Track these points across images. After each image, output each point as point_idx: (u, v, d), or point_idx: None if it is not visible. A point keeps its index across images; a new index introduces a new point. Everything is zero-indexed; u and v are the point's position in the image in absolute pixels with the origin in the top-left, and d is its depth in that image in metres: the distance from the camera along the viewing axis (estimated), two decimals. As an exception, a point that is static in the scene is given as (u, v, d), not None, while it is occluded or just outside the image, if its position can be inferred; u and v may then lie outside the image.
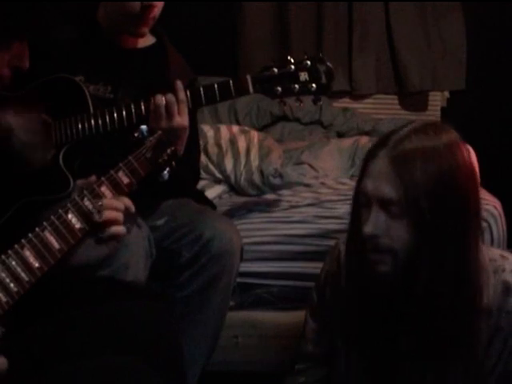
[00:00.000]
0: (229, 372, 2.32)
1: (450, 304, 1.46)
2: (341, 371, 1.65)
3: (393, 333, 1.53)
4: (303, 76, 1.89)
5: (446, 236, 1.44)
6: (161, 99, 1.86)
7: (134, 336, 1.33)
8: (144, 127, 1.52)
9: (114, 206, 1.34)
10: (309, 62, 1.89)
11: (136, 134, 1.51)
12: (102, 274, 1.64)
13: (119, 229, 1.35)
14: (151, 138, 1.48)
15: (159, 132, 1.51)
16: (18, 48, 1.59)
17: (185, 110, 1.87)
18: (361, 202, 1.50)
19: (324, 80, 1.90)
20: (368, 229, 1.46)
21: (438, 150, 1.44)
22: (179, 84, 1.88)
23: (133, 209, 1.39)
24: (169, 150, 1.50)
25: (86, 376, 1.23)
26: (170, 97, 1.86)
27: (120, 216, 1.35)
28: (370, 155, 1.49)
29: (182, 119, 1.86)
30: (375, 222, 1.46)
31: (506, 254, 1.58)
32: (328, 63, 1.91)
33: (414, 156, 1.43)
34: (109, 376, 1.24)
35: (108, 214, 1.33)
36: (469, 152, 1.50)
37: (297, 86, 1.89)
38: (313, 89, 1.89)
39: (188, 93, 1.89)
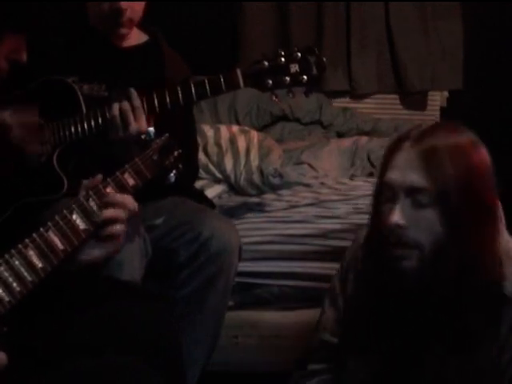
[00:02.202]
0: (229, 372, 2.32)
1: (477, 295, 1.46)
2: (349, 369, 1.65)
3: (412, 328, 1.51)
4: (294, 68, 1.87)
5: (473, 228, 1.45)
6: (116, 109, 1.86)
7: (134, 336, 1.33)
8: (151, 129, 1.52)
9: (116, 201, 1.33)
10: (299, 54, 1.87)
11: (143, 136, 1.51)
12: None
13: (118, 228, 1.32)
14: (158, 140, 1.48)
15: (166, 134, 1.50)
16: (14, 41, 1.59)
17: (141, 116, 1.86)
18: (385, 195, 1.49)
19: (315, 71, 1.88)
20: (394, 218, 1.45)
21: (464, 147, 1.47)
22: (132, 91, 1.88)
23: (137, 209, 1.37)
24: (176, 153, 1.50)
25: (86, 375, 1.23)
26: (125, 105, 1.86)
27: (121, 213, 1.33)
28: (393, 149, 1.49)
29: (138, 125, 1.85)
30: (402, 212, 1.45)
31: None
32: (318, 54, 1.89)
33: (441, 150, 1.44)
34: (109, 376, 1.24)
35: (108, 213, 1.31)
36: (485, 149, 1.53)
37: (287, 78, 1.87)
38: (304, 80, 1.88)
39: (179, 89, 1.89)
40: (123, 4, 1.99)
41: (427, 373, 1.53)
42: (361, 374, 1.61)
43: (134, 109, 1.86)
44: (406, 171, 1.45)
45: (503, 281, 1.48)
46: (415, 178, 1.44)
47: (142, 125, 1.85)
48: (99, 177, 1.36)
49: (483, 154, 1.50)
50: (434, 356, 1.52)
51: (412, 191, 1.45)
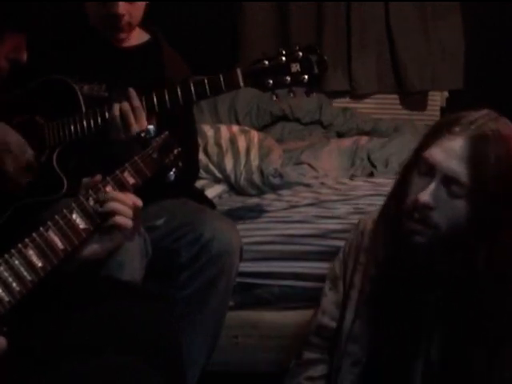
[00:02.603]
0: (229, 372, 2.31)
1: (501, 291, 1.47)
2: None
3: (416, 307, 1.52)
4: (295, 67, 1.85)
5: (499, 223, 1.45)
6: (116, 110, 1.85)
7: (134, 336, 1.33)
8: (151, 127, 1.52)
9: (118, 198, 1.33)
10: (300, 53, 1.85)
11: (143, 134, 1.51)
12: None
13: (121, 219, 1.33)
14: (158, 139, 1.48)
15: (166, 132, 1.50)
16: (15, 41, 1.59)
17: (142, 117, 1.85)
18: (421, 168, 1.49)
19: (316, 70, 1.86)
20: (425, 198, 1.45)
21: (507, 136, 1.47)
22: (132, 91, 1.87)
23: (140, 204, 1.38)
24: (175, 151, 1.50)
25: (85, 376, 1.23)
26: (125, 105, 1.85)
27: (125, 209, 1.33)
28: (444, 129, 1.49)
29: (139, 126, 1.84)
30: (434, 194, 1.45)
31: None
32: (320, 52, 1.87)
33: (489, 138, 1.45)
34: (109, 376, 1.24)
35: (111, 205, 1.32)
36: None
37: (288, 77, 1.85)
38: (305, 80, 1.85)
39: (179, 89, 1.88)
40: (121, 9, 1.98)
41: (432, 361, 1.53)
42: (359, 360, 1.61)
43: (134, 109, 1.85)
44: (451, 158, 1.45)
45: None
46: (458, 168, 1.44)
47: (142, 125, 1.85)
48: (98, 176, 1.36)
49: None
50: (439, 344, 1.52)
51: (449, 179, 1.45)
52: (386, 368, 1.58)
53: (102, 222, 1.31)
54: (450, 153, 1.46)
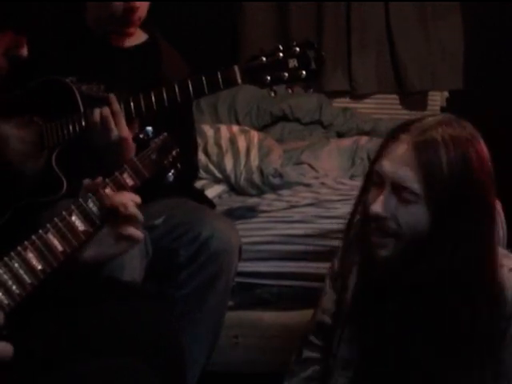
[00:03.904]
0: (229, 372, 2.32)
1: (453, 298, 1.45)
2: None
3: (393, 321, 1.51)
4: (292, 63, 1.85)
5: (460, 228, 1.43)
6: (97, 115, 1.84)
7: (134, 336, 1.33)
8: (149, 128, 1.52)
9: (115, 202, 1.33)
10: (298, 49, 1.86)
11: (141, 136, 1.51)
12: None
13: (135, 232, 1.34)
14: (156, 140, 1.48)
15: (165, 133, 1.51)
16: (13, 38, 1.58)
17: (122, 122, 1.84)
18: (373, 181, 1.49)
19: (314, 66, 1.86)
20: (376, 208, 1.45)
21: (462, 140, 1.45)
22: (112, 97, 1.87)
23: (139, 201, 1.37)
24: (174, 152, 1.50)
25: (86, 377, 1.23)
26: (106, 111, 1.84)
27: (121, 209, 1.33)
28: (391, 137, 1.49)
29: (120, 131, 1.83)
30: (385, 204, 1.45)
31: None
32: (317, 48, 1.88)
33: (438, 144, 1.43)
34: (109, 376, 1.24)
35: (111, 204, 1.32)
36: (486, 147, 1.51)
37: (286, 73, 1.85)
38: (302, 75, 1.85)
39: (176, 87, 1.87)
40: (136, 2, 1.99)
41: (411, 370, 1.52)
42: (350, 364, 1.60)
43: (114, 114, 1.84)
44: (398, 165, 1.44)
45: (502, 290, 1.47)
46: (404, 174, 1.43)
47: (122, 130, 1.84)
48: (99, 179, 1.36)
49: (482, 151, 1.47)
50: (415, 352, 1.50)
51: (398, 187, 1.44)
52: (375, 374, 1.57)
53: (101, 223, 1.31)
54: (397, 161, 1.45)
